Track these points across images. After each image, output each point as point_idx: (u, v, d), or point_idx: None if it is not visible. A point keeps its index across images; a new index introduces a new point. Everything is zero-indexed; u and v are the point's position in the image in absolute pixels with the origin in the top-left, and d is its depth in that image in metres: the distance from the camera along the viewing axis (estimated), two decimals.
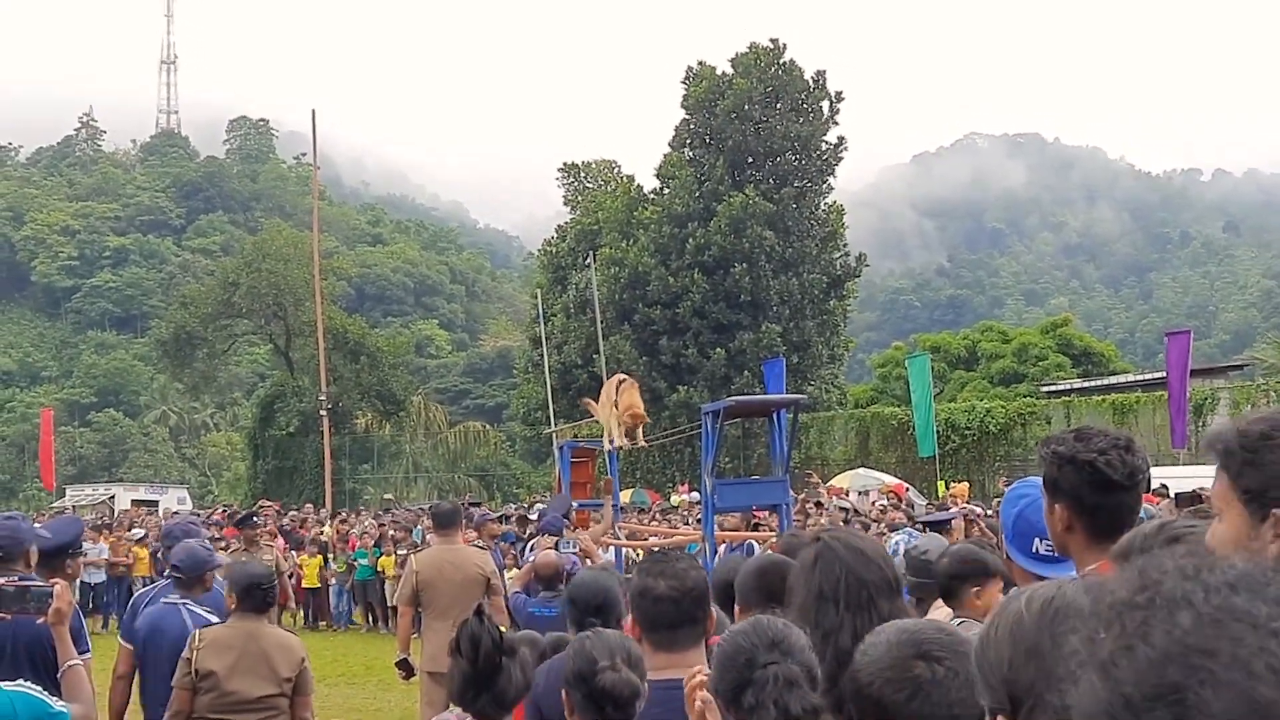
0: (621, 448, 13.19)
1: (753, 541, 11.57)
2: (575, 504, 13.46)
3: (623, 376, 13.67)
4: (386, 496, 42.72)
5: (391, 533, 21.94)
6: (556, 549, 9.47)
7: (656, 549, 12.42)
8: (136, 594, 7.52)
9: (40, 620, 4.89)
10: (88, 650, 5.21)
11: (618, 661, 3.37)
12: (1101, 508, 2.91)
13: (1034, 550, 3.45)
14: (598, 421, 14.15)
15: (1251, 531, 2.00)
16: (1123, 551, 2.48)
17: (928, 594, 5.25)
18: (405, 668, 9.11)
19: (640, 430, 13.10)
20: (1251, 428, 2.03)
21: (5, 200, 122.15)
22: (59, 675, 4.79)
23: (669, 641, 3.48)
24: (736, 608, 4.21)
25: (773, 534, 11.37)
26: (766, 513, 13.48)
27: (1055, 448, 2.98)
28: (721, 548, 13.17)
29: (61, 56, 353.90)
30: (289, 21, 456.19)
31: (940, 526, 9.32)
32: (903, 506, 19.85)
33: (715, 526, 10.93)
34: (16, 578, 5.13)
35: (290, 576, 18.01)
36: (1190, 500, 10.79)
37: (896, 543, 8.06)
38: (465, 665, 3.71)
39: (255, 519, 15.72)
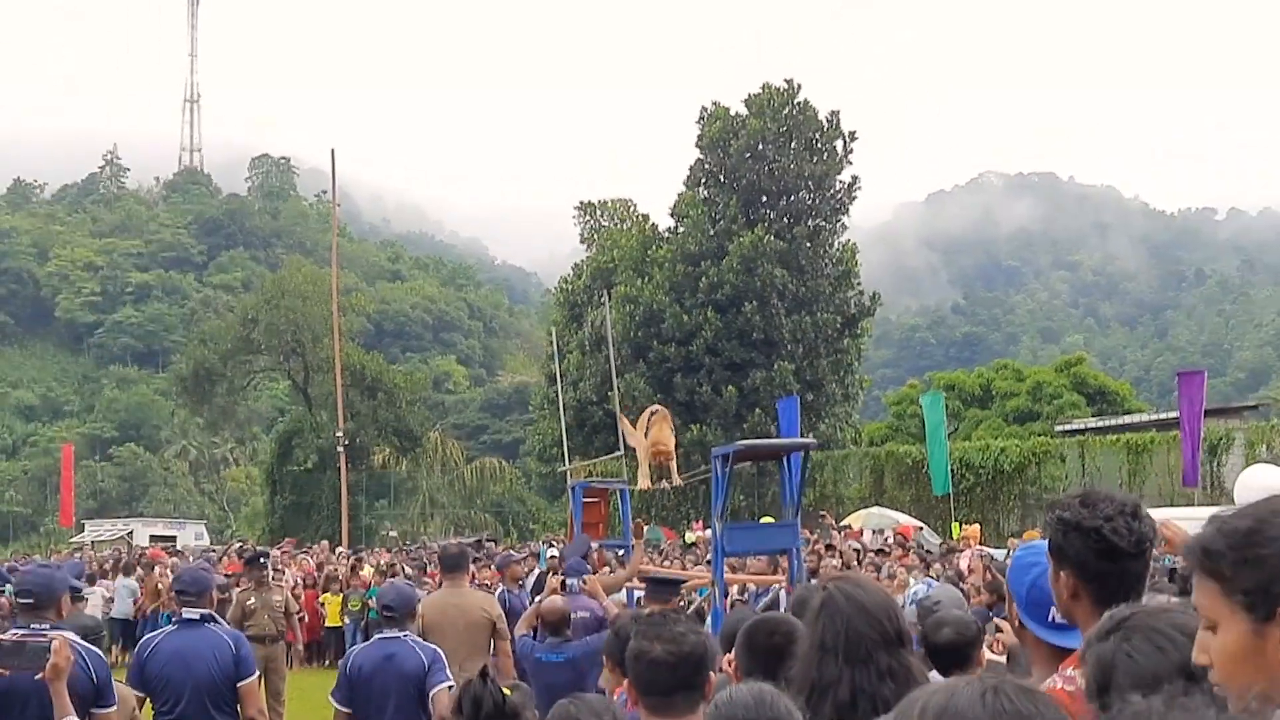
0: (646, 490, 12.74)
1: (779, 586, 11.39)
2: (595, 544, 13.29)
3: (655, 408, 13.06)
4: (392, 534, 42.42)
5: (406, 569, 21.97)
6: (563, 589, 9.46)
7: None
8: (142, 640, 7.24)
9: (38, 676, 4.84)
10: (112, 704, 5.25)
11: None
12: (1108, 575, 2.84)
13: (1051, 619, 3.30)
14: (616, 458, 13.95)
15: (1256, 639, 1.79)
16: (1104, 631, 2.31)
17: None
18: None
19: (673, 467, 12.56)
20: (1235, 524, 1.86)
21: (30, 237, 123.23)
22: None
23: (665, 707, 3.35)
24: (727, 659, 4.12)
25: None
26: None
27: (1060, 514, 2.91)
28: (738, 590, 13.22)
29: (86, 95, 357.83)
30: (311, 61, 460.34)
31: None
32: (913, 549, 19.99)
33: (725, 569, 11.06)
34: (23, 630, 5.16)
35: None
36: None
37: (914, 592, 8.03)
38: None
39: (263, 559, 15.41)
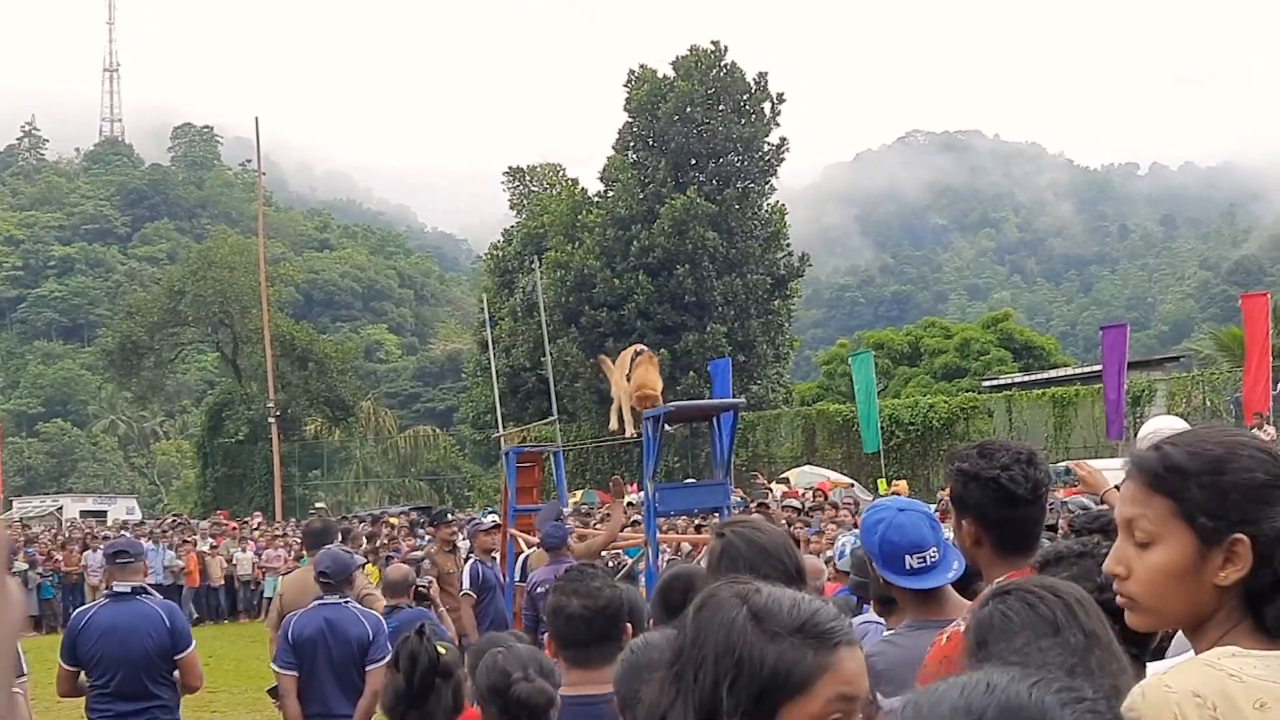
0: (634, 436, 11.97)
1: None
2: (520, 509, 12.93)
3: (640, 348, 11.93)
4: (319, 506, 41.73)
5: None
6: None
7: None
8: (74, 614, 7.12)
9: None
10: (23, 674, 5.25)
11: (530, 672, 3.46)
12: (1007, 522, 2.98)
13: (907, 567, 3.45)
14: (549, 423, 13.58)
15: (1198, 560, 1.85)
16: (1045, 560, 2.59)
17: (867, 593, 5.32)
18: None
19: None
20: (1207, 449, 1.87)
21: None
22: None
23: (583, 659, 3.49)
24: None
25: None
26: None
27: (959, 465, 3.04)
28: (671, 550, 13.28)
29: (1, 66, 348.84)
30: (233, 27, 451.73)
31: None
32: (845, 505, 20.24)
33: (657, 530, 11.11)
34: None
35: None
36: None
37: (843, 544, 8.13)
38: (400, 681, 3.79)
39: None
